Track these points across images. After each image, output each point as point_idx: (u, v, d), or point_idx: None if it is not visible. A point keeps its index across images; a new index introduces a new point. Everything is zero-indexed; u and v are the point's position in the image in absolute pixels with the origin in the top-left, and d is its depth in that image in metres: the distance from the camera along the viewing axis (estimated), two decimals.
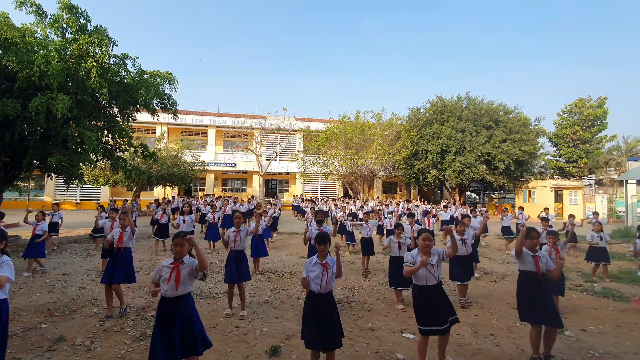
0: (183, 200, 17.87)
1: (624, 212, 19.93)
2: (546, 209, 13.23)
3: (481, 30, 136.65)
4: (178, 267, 3.10)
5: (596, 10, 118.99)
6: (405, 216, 9.88)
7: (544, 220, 8.46)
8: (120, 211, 8.03)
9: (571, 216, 10.74)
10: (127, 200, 14.40)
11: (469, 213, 11.99)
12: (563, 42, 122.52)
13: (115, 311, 5.02)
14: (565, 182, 25.48)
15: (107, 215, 8.12)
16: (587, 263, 8.19)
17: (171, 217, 14.12)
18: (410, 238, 6.16)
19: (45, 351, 3.83)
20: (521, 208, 13.81)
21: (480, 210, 14.19)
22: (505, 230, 11.91)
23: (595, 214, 10.12)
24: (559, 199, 25.41)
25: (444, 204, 16.78)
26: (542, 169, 30.76)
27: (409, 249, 5.63)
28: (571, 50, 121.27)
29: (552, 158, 29.71)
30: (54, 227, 9.86)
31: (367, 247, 7.94)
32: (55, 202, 11.43)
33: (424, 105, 26.77)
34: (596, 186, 25.77)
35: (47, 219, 8.97)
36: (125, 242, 5.17)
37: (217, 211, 12.14)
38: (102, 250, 7.51)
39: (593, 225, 8.01)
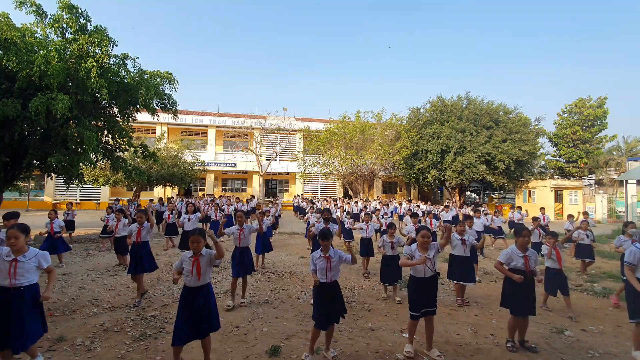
0: (181, 200, 17.90)
1: (624, 212, 19.95)
2: (542, 208, 13.35)
3: (481, 30, 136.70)
4: (198, 260, 3.44)
5: (596, 11, 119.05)
6: (408, 216, 9.88)
7: (535, 220, 8.92)
8: (137, 211, 8.41)
9: (570, 216, 10.91)
10: (152, 200, 14.86)
11: (471, 214, 11.99)
12: (563, 42, 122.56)
13: (115, 311, 5.01)
14: (565, 182, 25.46)
15: (114, 215, 8.61)
16: (577, 260, 8.50)
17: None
18: (407, 238, 6.20)
19: (45, 351, 3.83)
20: (519, 208, 13.90)
21: (484, 210, 14.23)
22: (497, 229, 12.09)
23: (585, 213, 10.48)
24: (559, 199, 25.40)
25: (445, 203, 16.77)
26: (542, 169, 30.75)
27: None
28: (571, 50, 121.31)
29: (552, 158, 29.70)
30: (70, 224, 10.69)
31: (367, 248, 7.89)
32: (69, 202, 11.70)
33: (424, 105, 26.77)
34: (596, 186, 25.79)
35: (62, 217, 10.14)
36: (143, 236, 5.81)
37: (222, 211, 12.28)
38: (115, 245, 8.21)
39: (581, 224, 8.40)
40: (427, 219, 11.30)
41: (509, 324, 4.15)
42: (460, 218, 13.76)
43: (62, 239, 8.25)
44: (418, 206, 18.57)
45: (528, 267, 4.01)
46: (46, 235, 7.97)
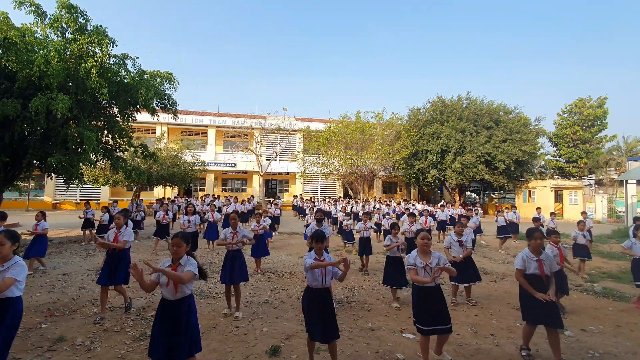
0: (185, 199, 17.93)
1: (624, 212, 19.94)
2: (538, 208, 13.52)
3: (481, 30, 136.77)
4: (175, 269, 3.00)
5: (596, 11, 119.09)
6: (405, 215, 10.01)
7: (536, 220, 9.01)
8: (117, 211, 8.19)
9: (552, 214, 11.30)
10: (161, 199, 14.77)
11: (465, 213, 12.19)
12: (563, 42, 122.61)
13: (115, 311, 5.01)
14: (565, 182, 25.46)
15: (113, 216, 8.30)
16: (574, 259, 8.50)
17: (177, 215, 14.44)
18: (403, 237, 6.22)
19: (45, 351, 3.83)
20: (514, 207, 14.07)
21: (476, 210, 14.44)
22: (500, 230, 12.15)
23: (583, 213, 10.74)
24: (559, 199, 25.40)
25: (441, 203, 16.96)
26: (542, 169, 30.74)
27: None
28: (571, 50, 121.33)
29: (552, 158, 29.69)
30: (89, 223, 11.31)
31: (365, 247, 8.05)
32: (86, 200, 11.98)
33: (424, 105, 26.80)
34: (596, 186, 25.74)
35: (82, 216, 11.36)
36: (121, 242, 4.99)
37: (218, 211, 12.25)
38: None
39: (578, 224, 8.49)
40: (422, 217, 11.46)
41: (523, 332, 3.97)
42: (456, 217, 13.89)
43: (46, 242, 7.76)
44: (414, 205, 18.63)
45: (543, 271, 3.79)
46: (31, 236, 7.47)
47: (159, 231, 10.54)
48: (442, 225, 13.63)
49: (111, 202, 19.63)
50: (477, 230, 12.36)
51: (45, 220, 7.73)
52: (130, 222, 7.51)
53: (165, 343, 2.89)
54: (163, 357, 2.87)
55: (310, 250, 3.82)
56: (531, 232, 3.93)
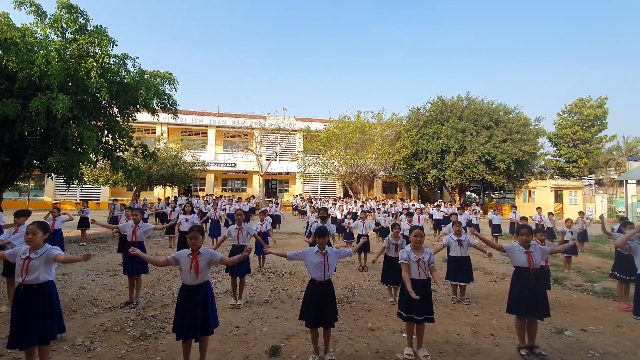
0: (187, 199, 17.97)
1: (624, 212, 19.94)
2: (538, 208, 13.66)
3: (482, 30, 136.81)
4: (196, 258, 3.37)
5: (596, 11, 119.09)
6: (403, 215, 10.12)
7: (524, 219, 9.46)
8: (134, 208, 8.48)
9: (550, 214, 11.76)
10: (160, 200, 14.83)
11: (456, 211, 12.38)
12: (563, 42, 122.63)
13: (115, 311, 5.01)
14: (565, 182, 25.45)
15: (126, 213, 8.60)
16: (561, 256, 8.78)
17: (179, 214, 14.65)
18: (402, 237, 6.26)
19: None
20: (514, 207, 14.17)
21: (474, 209, 14.54)
22: (495, 228, 12.29)
23: (581, 213, 11.22)
24: (559, 199, 25.39)
25: (437, 203, 17.08)
26: (542, 169, 30.73)
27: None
28: (571, 50, 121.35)
29: (552, 158, 29.68)
30: (85, 222, 11.14)
31: (364, 244, 8.09)
32: (84, 200, 12.04)
33: (425, 105, 26.79)
34: (596, 186, 25.74)
35: (78, 215, 10.98)
36: (139, 236, 5.59)
37: (223, 210, 12.35)
38: (119, 244, 8.11)
39: (566, 222, 8.74)
40: (415, 213, 11.59)
41: (516, 327, 4.05)
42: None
43: (62, 239, 8.24)
44: (413, 205, 18.68)
45: (531, 263, 3.90)
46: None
47: (169, 229, 10.77)
48: (438, 225, 13.71)
49: (112, 201, 19.61)
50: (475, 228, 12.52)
51: (61, 216, 8.27)
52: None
53: (187, 322, 3.27)
54: (188, 335, 3.28)
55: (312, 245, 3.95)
56: (519, 228, 4.15)
